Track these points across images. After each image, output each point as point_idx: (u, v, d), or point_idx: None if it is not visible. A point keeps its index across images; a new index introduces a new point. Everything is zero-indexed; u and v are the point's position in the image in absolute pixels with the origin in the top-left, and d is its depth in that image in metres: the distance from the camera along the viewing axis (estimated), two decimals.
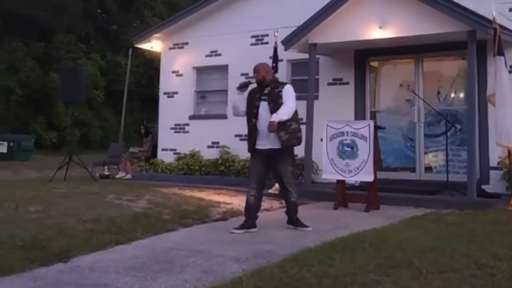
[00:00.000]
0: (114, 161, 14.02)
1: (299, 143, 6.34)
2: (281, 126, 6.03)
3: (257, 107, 6.16)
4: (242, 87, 6.31)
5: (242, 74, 11.89)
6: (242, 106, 6.33)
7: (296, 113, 6.28)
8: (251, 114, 6.23)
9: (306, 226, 6.27)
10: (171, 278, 4.31)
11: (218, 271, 4.50)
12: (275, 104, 6.11)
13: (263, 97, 6.19)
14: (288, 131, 6.10)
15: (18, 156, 20.90)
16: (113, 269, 4.55)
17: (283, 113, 6.06)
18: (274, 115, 6.02)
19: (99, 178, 12.61)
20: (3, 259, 4.64)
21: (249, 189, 6.38)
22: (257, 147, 6.20)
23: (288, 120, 6.09)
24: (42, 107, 28.60)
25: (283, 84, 6.43)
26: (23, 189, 9.27)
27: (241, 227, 6.18)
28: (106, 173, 13.42)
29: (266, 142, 6.14)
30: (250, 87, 6.43)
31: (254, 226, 6.25)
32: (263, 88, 6.23)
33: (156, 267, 4.64)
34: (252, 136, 6.25)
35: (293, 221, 6.38)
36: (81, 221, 6.33)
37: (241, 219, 7.26)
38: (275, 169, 6.27)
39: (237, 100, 6.42)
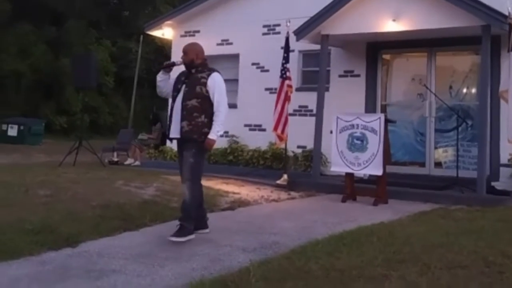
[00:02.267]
0: (123, 147, 14.06)
1: (201, 141, 5.26)
2: (187, 115, 5.22)
3: (179, 91, 5.35)
4: (165, 67, 5.53)
5: (253, 64, 11.92)
6: (166, 87, 5.56)
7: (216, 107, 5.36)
8: (172, 97, 5.44)
9: (174, 236, 5.07)
10: (178, 266, 4.33)
11: (225, 261, 4.52)
12: (191, 90, 5.27)
13: (186, 81, 5.39)
14: (192, 122, 5.22)
15: (28, 140, 21.01)
16: (121, 255, 4.58)
17: (220, 123, 5.27)
18: (212, 130, 5.22)
19: (108, 164, 12.66)
20: (12, 242, 4.68)
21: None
22: (171, 135, 5.43)
23: (196, 112, 5.23)
24: (52, 91, 28.68)
25: (211, 70, 5.43)
26: (33, 173, 9.32)
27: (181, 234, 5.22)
28: (115, 159, 13.46)
29: (176, 129, 5.33)
30: (177, 69, 5.63)
31: (203, 227, 5.54)
32: (191, 71, 5.43)
33: (164, 254, 4.66)
34: (169, 122, 5.46)
35: (179, 226, 5.16)
36: (90, 207, 6.37)
37: (250, 209, 7.32)
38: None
39: (159, 80, 5.56)
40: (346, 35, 9.88)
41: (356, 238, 5.27)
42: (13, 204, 6.27)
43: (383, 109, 10.54)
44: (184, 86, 5.33)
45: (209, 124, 5.29)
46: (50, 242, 4.80)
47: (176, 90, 5.39)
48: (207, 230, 5.49)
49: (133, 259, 4.49)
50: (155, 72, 5.67)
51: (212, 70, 5.43)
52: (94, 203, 6.56)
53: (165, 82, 5.56)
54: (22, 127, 21.49)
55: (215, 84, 5.32)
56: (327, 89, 10.47)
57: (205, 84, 5.28)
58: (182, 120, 5.25)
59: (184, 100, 5.26)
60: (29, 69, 27.41)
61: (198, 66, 5.40)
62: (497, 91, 8.59)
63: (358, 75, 10.77)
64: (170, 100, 5.55)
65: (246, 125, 11.79)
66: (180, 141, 5.39)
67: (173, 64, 5.52)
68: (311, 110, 10.61)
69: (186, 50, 5.48)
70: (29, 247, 4.59)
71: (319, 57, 10.06)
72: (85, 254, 4.61)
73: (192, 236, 5.17)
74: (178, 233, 5.09)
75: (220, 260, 4.53)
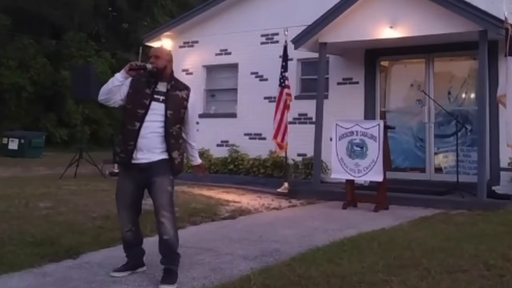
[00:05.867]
0: None
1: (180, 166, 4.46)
2: (176, 144, 4.35)
3: (147, 107, 4.27)
4: (137, 69, 4.31)
5: (252, 73, 11.96)
6: (119, 95, 4.37)
7: None
8: (135, 115, 4.28)
9: (169, 283, 4.11)
10: (179, 275, 4.31)
11: (226, 269, 4.52)
12: (177, 114, 4.33)
13: (156, 96, 4.32)
14: (180, 151, 4.42)
15: (29, 153, 21.00)
16: None
17: (196, 147, 4.64)
18: (196, 155, 4.62)
19: (109, 176, 12.65)
20: (13, 254, 4.69)
21: (121, 222, 4.57)
22: (134, 161, 4.32)
23: (180, 138, 4.44)
24: (52, 104, 28.70)
25: (186, 87, 4.50)
26: (34, 186, 9.34)
27: (123, 268, 4.45)
28: (116, 170, 13.39)
29: (147, 154, 4.29)
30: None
31: (142, 265, 4.55)
32: (156, 82, 4.36)
33: None
34: (128, 146, 4.29)
35: (164, 271, 4.23)
36: (91, 218, 6.38)
37: (250, 217, 7.33)
38: (151, 188, 4.35)
39: (118, 83, 4.33)
40: (344, 42, 9.92)
41: (357, 245, 5.27)
42: (14, 216, 6.29)
43: (382, 116, 10.56)
44: (161, 104, 4.31)
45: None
46: (51, 254, 4.81)
47: (142, 106, 4.28)
48: (145, 268, 4.55)
49: None
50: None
51: (187, 88, 4.51)
52: (94, 215, 6.57)
53: (120, 88, 4.37)
54: (22, 140, 21.48)
55: (193, 102, 4.49)
56: (326, 97, 10.50)
57: (186, 107, 4.42)
58: (171, 150, 4.30)
59: (169, 126, 4.29)
60: (29, 82, 27.47)
61: (170, 77, 4.43)
62: (495, 96, 8.61)
63: (356, 82, 10.79)
64: (125, 117, 4.41)
65: (246, 134, 11.82)
66: (148, 166, 4.30)
67: (144, 68, 4.33)
68: (311, 118, 10.63)
69: (159, 54, 4.45)
70: (30, 259, 4.60)
71: (317, 65, 10.10)
72: (86, 266, 4.61)
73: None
74: (169, 279, 4.14)
75: (221, 269, 4.53)
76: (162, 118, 4.28)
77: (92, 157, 12.13)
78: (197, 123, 4.63)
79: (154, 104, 4.30)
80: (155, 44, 13.80)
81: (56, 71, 28.98)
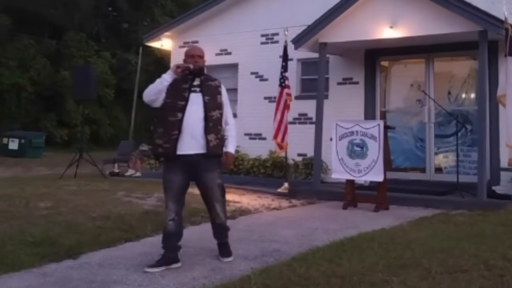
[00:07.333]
0: (124, 158, 14.07)
1: (221, 155, 4.94)
2: (213, 128, 4.74)
3: (186, 99, 4.73)
4: (183, 69, 4.80)
5: (252, 73, 11.96)
6: (163, 94, 4.80)
7: None
8: (176, 107, 4.70)
9: (228, 256, 4.86)
10: (179, 275, 4.33)
11: (226, 269, 4.52)
12: (213, 99, 4.82)
13: (193, 88, 4.80)
14: (218, 136, 4.78)
15: (29, 153, 21.05)
16: (122, 266, 4.59)
17: (235, 138, 5.04)
18: (232, 144, 4.96)
19: (109, 176, 12.66)
20: (13, 255, 4.69)
21: (166, 211, 4.79)
22: (179, 152, 4.67)
23: (219, 124, 4.84)
24: (53, 104, 28.75)
25: (216, 79, 5.07)
26: (34, 186, 9.34)
27: (158, 264, 4.55)
28: (116, 170, 13.47)
29: (192, 145, 4.69)
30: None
31: (176, 260, 4.65)
32: (193, 78, 4.85)
33: None
34: (172, 136, 4.66)
35: (219, 246, 4.97)
36: (91, 218, 6.38)
37: (251, 218, 7.32)
38: (201, 181, 4.82)
39: (166, 83, 4.80)
40: (344, 42, 9.92)
41: (357, 245, 5.26)
42: (14, 216, 6.28)
43: (383, 116, 10.56)
44: (199, 94, 4.77)
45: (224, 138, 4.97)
46: (51, 254, 4.81)
47: (182, 99, 4.72)
48: (179, 264, 4.66)
49: (134, 269, 4.49)
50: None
51: (218, 80, 5.06)
52: (94, 215, 6.57)
53: (166, 88, 4.81)
54: (23, 141, 21.53)
55: (225, 95, 5.01)
56: (326, 97, 10.50)
57: (221, 93, 4.93)
58: (207, 132, 4.69)
59: (207, 110, 4.73)
60: (29, 82, 27.50)
61: (204, 73, 4.99)
62: (495, 96, 8.60)
63: (356, 82, 10.80)
64: (165, 110, 4.80)
65: (246, 134, 11.80)
66: (194, 159, 4.69)
67: (189, 68, 4.82)
68: (311, 118, 10.64)
69: (202, 54, 4.99)
70: (30, 259, 4.60)
71: (317, 65, 10.10)
72: (86, 266, 4.61)
73: None
74: (228, 252, 4.89)
75: (221, 269, 4.53)
76: (201, 105, 4.76)
77: (92, 157, 12.13)
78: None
79: (192, 95, 4.78)
80: (155, 44, 13.86)
81: (56, 71, 29.02)
